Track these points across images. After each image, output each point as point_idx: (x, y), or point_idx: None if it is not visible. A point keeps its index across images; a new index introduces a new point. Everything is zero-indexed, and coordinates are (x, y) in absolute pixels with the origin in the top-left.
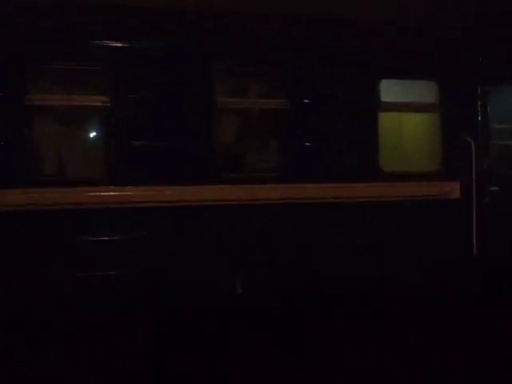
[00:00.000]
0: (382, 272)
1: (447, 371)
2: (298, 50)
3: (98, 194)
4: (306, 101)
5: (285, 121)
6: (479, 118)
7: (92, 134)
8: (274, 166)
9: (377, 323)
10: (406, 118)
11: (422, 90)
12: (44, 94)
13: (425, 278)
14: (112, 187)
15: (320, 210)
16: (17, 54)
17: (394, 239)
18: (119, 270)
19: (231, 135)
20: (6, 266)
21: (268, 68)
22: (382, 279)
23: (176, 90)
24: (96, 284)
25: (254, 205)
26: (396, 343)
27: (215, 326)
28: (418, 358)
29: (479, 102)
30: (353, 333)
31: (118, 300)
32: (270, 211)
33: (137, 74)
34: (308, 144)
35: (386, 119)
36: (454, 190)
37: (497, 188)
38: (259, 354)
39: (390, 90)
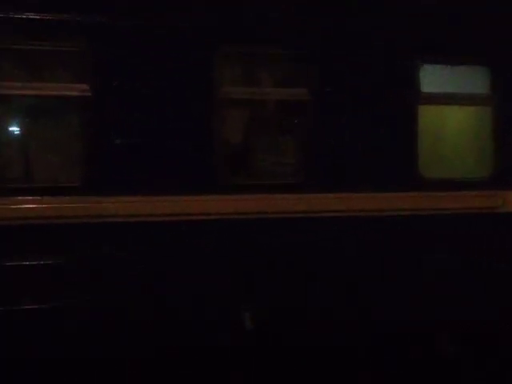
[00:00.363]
0: (425, 308)
1: None
2: (319, 28)
3: (73, 205)
4: (329, 90)
5: (304, 115)
6: None
7: (67, 131)
8: (290, 171)
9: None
10: (452, 113)
11: (470, 78)
12: (6, 81)
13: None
14: (91, 197)
15: (349, 225)
16: None
17: (435, 267)
18: (97, 300)
19: (237, 132)
20: None
21: (283, 50)
22: (426, 317)
23: (170, 77)
24: (62, 318)
25: (265, 219)
26: None
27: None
28: None
29: None
30: None
31: (103, 338)
32: (285, 227)
33: (123, 57)
34: (332, 144)
35: (426, 114)
36: (510, 201)
37: None
38: None
39: (432, 78)
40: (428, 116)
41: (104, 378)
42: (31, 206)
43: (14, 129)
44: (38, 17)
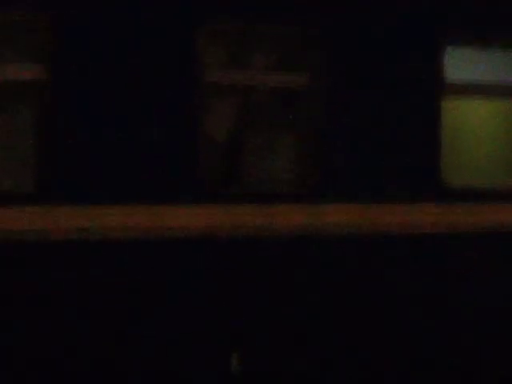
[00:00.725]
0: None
1: None
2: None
3: (24, 215)
4: (335, 78)
5: (305, 107)
6: None
7: (17, 124)
8: (291, 176)
9: None
10: (485, 108)
11: (508, 65)
12: None
13: None
14: (46, 206)
15: (361, 243)
16: None
17: (468, 295)
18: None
19: (226, 128)
20: None
21: (282, 28)
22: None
23: (143, 57)
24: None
25: (260, 236)
26: None
27: None
28: None
29: None
30: None
31: None
32: (285, 245)
33: (88, 31)
34: (340, 143)
35: (453, 108)
36: None
37: None
38: None
39: (461, 64)
40: (455, 111)
41: None
42: None
43: None
44: None
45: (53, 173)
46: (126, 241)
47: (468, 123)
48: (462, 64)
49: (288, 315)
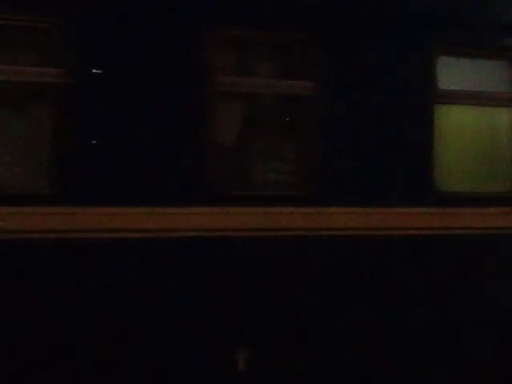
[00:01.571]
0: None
1: None
2: (327, 9)
3: (43, 217)
4: (336, 85)
5: (309, 113)
6: None
7: (34, 127)
8: (294, 180)
9: None
10: (476, 115)
11: (498, 74)
12: None
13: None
14: (65, 207)
15: (362, 245)
16: None
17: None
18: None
19: (232, 132)
20: None
21: (288, 36)
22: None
23: (156, 64)
24: None
25: (265, 238)
26: None
27: None
28: None
29: None
30: None
31: None
32: (288, 247)
33: (106, 36)
34: (341, 148)
35: (445, 115)
36: None
37: None
38: None
39: (452, 73)
40: (447, 118)
41: None
42: None
43: None
44: None
45: (66, 176)
46: (132, 241)
47: (461, 129)
48: (453, 72)
49: (290, 315)
